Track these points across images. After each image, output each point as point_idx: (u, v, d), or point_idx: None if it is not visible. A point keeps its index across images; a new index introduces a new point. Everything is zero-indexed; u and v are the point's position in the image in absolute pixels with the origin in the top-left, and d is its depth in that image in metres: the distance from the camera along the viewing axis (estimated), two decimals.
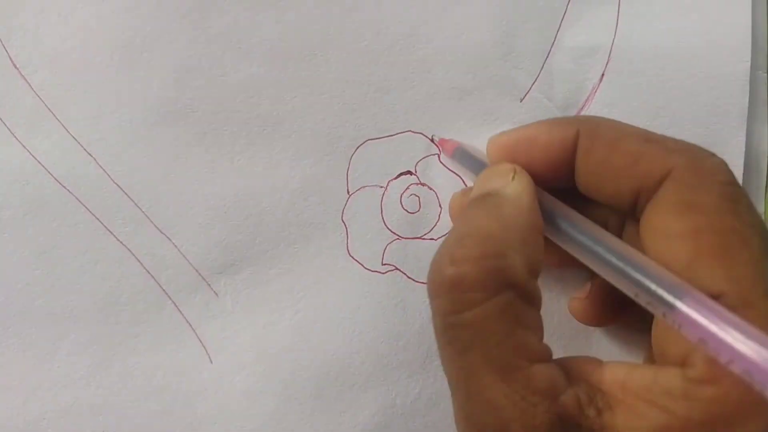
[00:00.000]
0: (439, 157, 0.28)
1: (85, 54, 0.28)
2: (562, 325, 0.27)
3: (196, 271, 0.28)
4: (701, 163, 0.20)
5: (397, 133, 0.28)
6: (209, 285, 0.28)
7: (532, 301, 0.20)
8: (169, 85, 0.27)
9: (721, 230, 0.19)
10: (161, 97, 0.28)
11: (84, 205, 0.28)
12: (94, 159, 0.28)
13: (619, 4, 0.28)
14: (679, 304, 0.18)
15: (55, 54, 0.28)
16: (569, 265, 0.22)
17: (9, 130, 0.28)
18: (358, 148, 0.28)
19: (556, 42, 0.28)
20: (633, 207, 0.21)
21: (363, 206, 0.28)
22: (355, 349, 0.27)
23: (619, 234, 0.23)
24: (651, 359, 0.22)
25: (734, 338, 0.17)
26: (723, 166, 0.20)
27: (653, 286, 0.18)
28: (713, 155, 0.21)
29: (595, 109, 0.27)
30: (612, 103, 0.27)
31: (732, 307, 0.18)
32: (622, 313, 0.24)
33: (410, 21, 0.27)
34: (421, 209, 0.28)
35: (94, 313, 0.28)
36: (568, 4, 0.28)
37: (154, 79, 0.28)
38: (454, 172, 0.27)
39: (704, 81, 0.27)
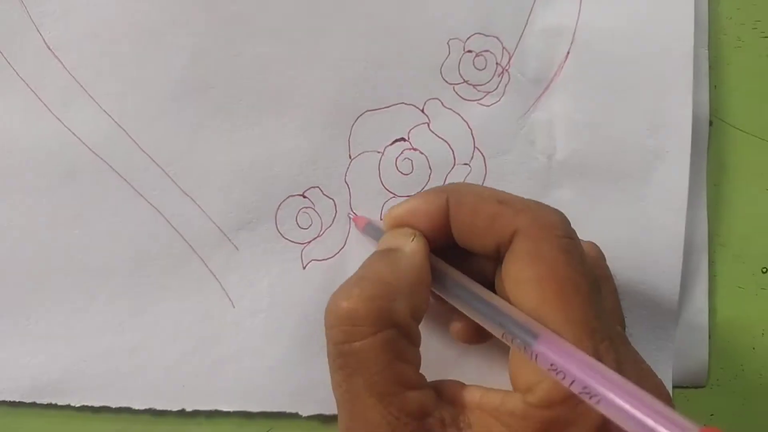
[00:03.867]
0: (428, 125, 0.32)
1: (112, 36, 0.31)
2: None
3: (218, 227, 0.31)
4: (543, 219, 0.24)
5: (392, 105, 0.31)
6: (230, 240, 0.31)
7: (412, 339, 0.24)
8: (188, 64, 0.31)
9: (559, 278, 0.23)
10: (182, 75, 0.31)
11: (116, 172, 0.31)
12: (124, 130, 0.31)
13: None
14: (534, 342, 0.22)
15: (84, 36, 0.31)
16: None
17: (46, 105, 0.31)
18: (358, 118, 0.31)
19: (528, 24, 0.32)
20: (496, 256, 0.25)
21: (363, 169, 0.31)
22: None
23: (493, 278, 0.27)
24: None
25: (575, 366, 0.21)
26: (562, 221, 0.24)
27: (514, 329, 0.23)
28: (555, 212, 0.24)
29: (561, 82, 0.31)
30: (575, 78, 0.31)
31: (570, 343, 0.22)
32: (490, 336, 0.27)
33: (402, 4, 0.31)
34: (413, 171, 0.32)
35: (127, 268, 0.31)
36: None
37: (175, 58, 0.31)
38: (443, 139, 0.31)
39: (654, 57, 0.31)
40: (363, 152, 0.31)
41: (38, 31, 0.31)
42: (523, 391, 0.23)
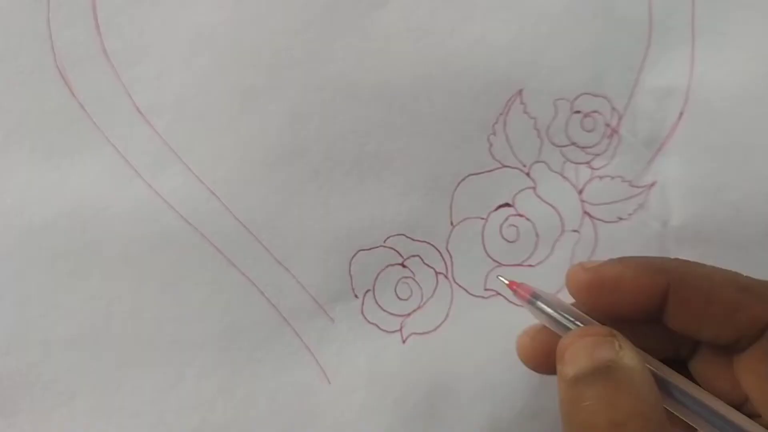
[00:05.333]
0: (534, 190, 0.30)
1: (205, 100, 0.30)
2: None
3: (313, 299, 0.30)
4: None
5: (495, 168, 0.30)
6: (325, 312, 0.30)
7: None
8: (284, 128, 0.30)
9: None
10: (277, 139, 0.30)
11: (208, 240, 0.30)
12: (217, 197, 0.30)
13: (693, 50, 0.30)
14: None
15: (177, 100, 0.30)
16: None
17: (135, 171, 0.30)
18: (460, 182, 0.30)
19: (638, 83, 0.30)
20: (729, 345, 0.23)
21: (466, 236, 0.30)
22: (462, 369, 0.30)
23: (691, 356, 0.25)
24: None
25: None
26: None
27: None
28: None
29: (675, 143, 0.30)
30: (690, 139, 0.30)
31: None
32: None
33: (506, 65, 0.30)
34: (519, 238, 0.30)
35: (219, 340, 0.30)
36: (648, 48, 0.30)
37: (271, 122, 0.30)
38: (551, 205, 0.30)
39: None
40: (466, 218, 0.30)
41: (129, 95, 0.30)
42: None
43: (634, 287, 0.22)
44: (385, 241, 0.30)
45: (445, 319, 0.30)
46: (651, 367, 0.22)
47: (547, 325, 0.23)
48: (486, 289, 0.30)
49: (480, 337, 0.30)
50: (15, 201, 0.30)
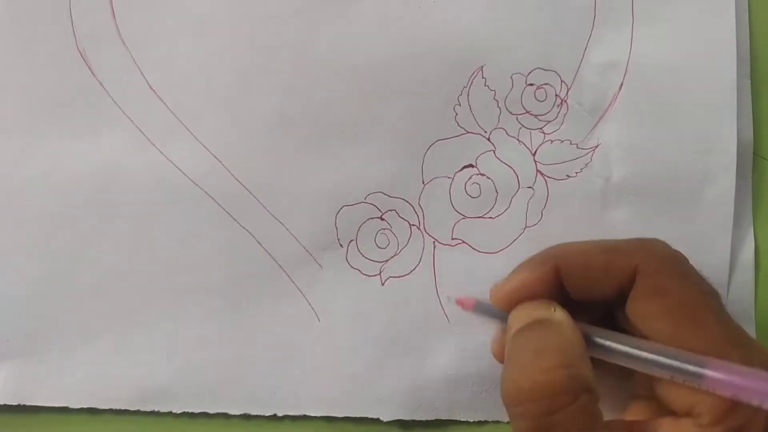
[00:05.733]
0: (494, 152, 0.35)
1: (209, 78, 0.34)
2: None
3: (304, 248, 0.34)
4: (656, 254, 0.25)
5: (460, 134, 0.35)
6: (315, 259, 0.34)
7: (598, 399, 0.24)
8: (277, 102, 0.34)
9: (686, 304, 0.24)
10: (271, 112, 0.34)
11: (213, 199, 0.34)
12: (221, 162, 0.34)
13: (632, 28, 0.35)
14: (708, 372, 0.23)
15: (185, 78, 0.34)
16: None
17: (150, 140, 0.34)
18: (430, 147, 0.34)
19: (584, 59, 0.35)
20: (617, 299, 0.26)
21: (435, 193, 0.34)
22: (433, 306, 0.34)
23: (612, 321, 0.28)
24: (639, 402, 0.27)
25: (752, 380, 0.22)
26: (670, 251, 0.26)
27: (685, 366, 0.23)
28: (661, 243, 0.26)
29: (616, 111, 0.34)
30: (628, 107, 0.34)
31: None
32: None
33: (469, 45, 0.34)
34: (481, 194, 0.34)
35: (223, 285, 0.34)
36: (592, 28, 0.35)
37: (266, 97, 0.34)
38: (508, 165, 0.34)
39: (701, 88, 0.34)
40: (435, 178, 0.34)
41: (142, 74, 0.34)
42: (685, 415, 0.24)
43: (536, 282, 0.26)
44: (366, 198, 0.34)
45: (418, 264, 0.34)
46: (579, 323, 0.26)
47: (492, 323, 0.28)
48: (453, 238, 0.35)
49: (447, 279, 0.34)
50: (44, 167, 0.34)
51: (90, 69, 0.34)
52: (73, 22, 0.34)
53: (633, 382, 0.28)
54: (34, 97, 0.34)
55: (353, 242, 0.34)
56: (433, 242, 0.34)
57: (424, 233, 0.34)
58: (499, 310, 0.28)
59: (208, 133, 0.34)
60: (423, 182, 0.34)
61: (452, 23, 0.34)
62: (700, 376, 0.23)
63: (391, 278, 0.34)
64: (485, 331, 0.33)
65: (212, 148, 0.34)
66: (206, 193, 0.34)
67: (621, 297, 0.26)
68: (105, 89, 0.34)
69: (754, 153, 0.35)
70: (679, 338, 0.24)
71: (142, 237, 0.34)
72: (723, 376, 0.23)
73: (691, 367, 0.23)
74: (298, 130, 0.34)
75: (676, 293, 0.24)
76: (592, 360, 0.25)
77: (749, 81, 0.35)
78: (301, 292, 0.34)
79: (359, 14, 0.34)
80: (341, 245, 0.34)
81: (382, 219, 0.34)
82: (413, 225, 0.34)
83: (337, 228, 0.34)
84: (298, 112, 0.34)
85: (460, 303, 0.29)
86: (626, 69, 0.34)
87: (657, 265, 0.25)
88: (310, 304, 0.34)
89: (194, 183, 0.34)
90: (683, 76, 0.34)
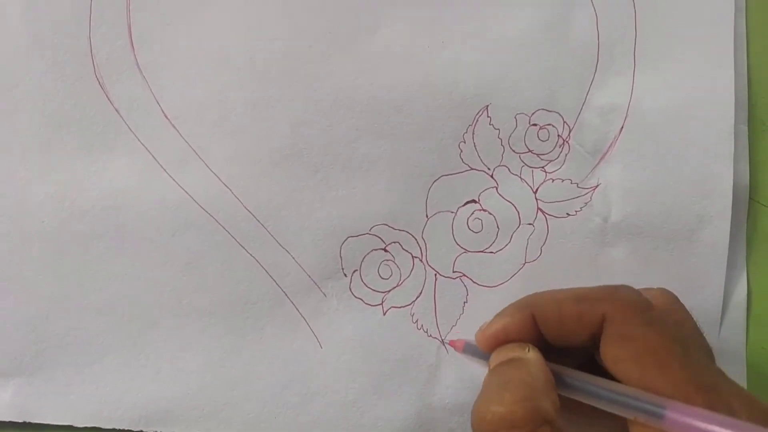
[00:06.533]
0: (496, 189, 0.36)
1: (223, 108, 0.35)
2: None
3: (309, 277, 0.35)
4: (622, 302, 0.27)
5: (464, 171, 0.36)
6: (319, 288, 0.35)
7: (561, 431, 0.25)
8: (288, 133, 0.35)
9: (651, 350, 0.25)
10: (282, 143, 0.35)
11: (222, 226, 0.35)
12: (231, 190, 0.35)
13: (633, 75, 0.36)
14: (667, 412, 0.24)
15: (199, 108, 0.35)
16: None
17: (162, 167, 0.35)
18: (434, 182, 0.35)
19: (586, 101, 0.36)
20: (592, 345, 0.27)
21: (438, 227, 0.35)
22: (432, 337, 0.35)
23: (595, 365, 0.28)
24: None
25: (711, 424, 0.23)
26: (638, 298, 0.27)
27: (646, 406, 0.24)
28: (629, 289, 0.27)
29: (616, 153, 0.35)
30: (629, 149, 0.35)
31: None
32: None
33: (475, 85, 0.35)
34: (483, 229, 0.35)
35: (229, 310, 0.35)
36: (595, 72, 0.36)
37: (277, 128, 0.35)
38: (510, 202, 0.35)
39: (699, 132, 0.35)
40: (438, 212, 0.35)
41: (158, 102, 0.35)
42: None
43: (514, 327, 0.28)
44: (370, 230, 0.35)
45: (419, 295, 0.35)
46: (551, 364, 0.27)
47: (480, 364, 0.30)
48: (454, 271, 0.35)
49: (447, 311, 0.35)
50: (58, 190, 0.35)
51: (107, 96, 0.35)
52: (92, 49, 0.35)
53: (614, 428, 0.29)
54: (52, 121, 0.35)
55: (357, 272, 0.35)
56: (435, 274, 0.35)
57: (426, 265, 0.35)
58: (484, 351, 0.29)
59: (220, 162, 0.35)
60: (427, 216, 0.35)
61: (459, 63, 0.35)
62: (660, 417, 0.24)
63: (392, 308, 0.35)
64: (481, 364, 0.34)
65: (223, 176, 0.35)
66: (215, 219, 0.35)
67: (595, 343, 0.27)
68: (121, 116, 0.35)
69: (750, 198, 0.36)
70: (646, 382, 0.25)
71: (151, 260, 0.35)
72: (681, 417, 0.24)
73: (651, 407, 0.25)
74: (307, 162, 0.35)
75: (641, 339, 0.26)
76: (574, 404, 0.27)
77: (746, 127, 0.36)
78: (304, 319, 0.35)
79: (370, 51, 0.35)
80: (345, 275, 0.35)
81: (386, 250, 0.35)
82: (416, 257, 0.35)
83: (341, 258, 0.35)
84: (307, 144, 0.35)
85: (452, 345, 0.31)
86: (627, 112, 0.35)
87: (623, 313, 0.26)
88: (312, 331, 0.35)
89: (204, 209, 0.35)
90: (682, 121, 0.35)
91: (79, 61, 0.35)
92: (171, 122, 0.35)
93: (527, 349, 0.27)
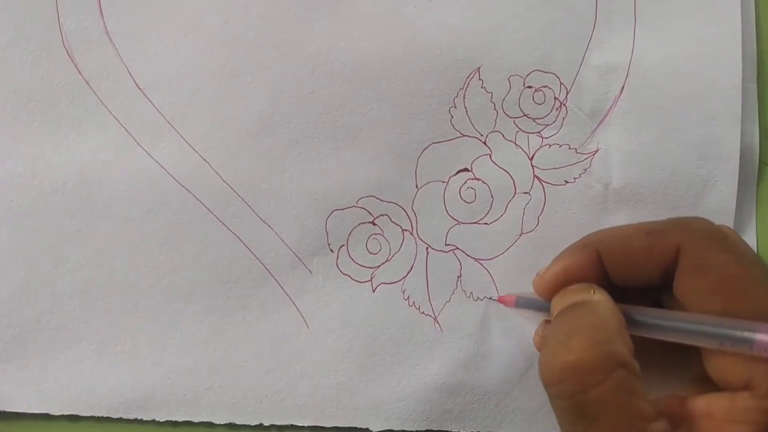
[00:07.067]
0: (490, 156, 0.34)
1: (197, 77, 0.33)
2: None
3: (293, 253, 0.34)
4: (698, 231, 0.26)
5: (455, 138, 0.34)
6: (305, 264, 0.34)
7: (638, 374, 0.24)
8: (267, 102, 0.33)
9: (731, 278, 0.24)
10: (261, 112, 0.33)
11: (200, 201, 0.33)
12: (208, 163, 0.33)
13: (634, 30, 0.34)
14: (759, 336, 0.23)
15: (172, 77, 0.33)
16: None
17: (135, 140, 0.34)
18: (424, 150, 0.34)
19: (584, 61, 0.34)
20: (663, 282, 0.26)
21: (429, 198, 0.34)
22: (425, 314, 0.33)
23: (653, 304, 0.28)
24: (695, 384, 0.27)
25: None
26: (711, 225, 0.26)
27: (733, 332, 0.23)
28: (701, 219, 0.26)
29: (617, 115, 0.33)
30: (630, 111, 0.33)
31: None
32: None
33: (465, 46, 0.33)
34: (476, 199, 0.34)
35: (210, 290, 0.33)
36: (593, 30, 0.34)
37: (255, 97, 0.33)
38: (504, 170, 0.34)
39: (704, 91, 0.33)
40: (429, 182, 0.33)
41: (129, 73, 0.33)
42: (741, 389, 0.24)
43: (576, 267, 0.27)
44: (357, 202, 0.33)
45: (410, 271, 0.33)
46: (621, 305, 0.26)
47: (533, 317, 0.29)
48: (446, 245, 0.34)
49: (440, 286, 0.33)
50: (28, 167, 0.33)
51: (76, 67, 0.33)
52: (60, 18, 0.33)
53: (688, 365, 0.28)
54: (18, 94, 0.33)
55: (344, 247, 0.33)
56: (426, 248, 0.33)
57: (417, 239, 0.33)
58: (542, 301, 0.28)
59: (196, 134, 0.33)
60: (416, 186, 0.33)
61: (448, 23, 0.33)
62: (750, 341, 0.23)
63: (382, 285, 0.33)
64: (478, 341, 0.32)
65: (199, 148, 0.33)
66: (193, 194, 0.33)
67: (666, 280, 0.26)
68: (91, 88, 0.33)
69: (759, 160, 0.34)
70: (729, 312, 0.24)
71: (126, 239, 0.33)
72: None
73: (739, 333, 0.23)
74: (287, 131, 0.33)
75: (720, 268, 0.25)
76: (646, 342, 0.25)
77: (755, 85, 0.34)
78: (289, 297, 0.33)
79: (352, 13, 0.33)
80: (332, 250, 0.33)
81: (374, 224, 0.33)
82: (406, 230, 0.33)
83: (327, 232, 0.33)
84: (288, 113, 0.33)
85: (502, 301, 0.31)
86: (627, 72, 0.33)
87: (698, 243, 0.25)
88: (298, 311, 0.33)
89: (180, 184, 0.33)
90: (686, 79, 0.33)
91: (46, 30, 0.33)
92: (144, 93, 0.33)
93: (593, 291, 0.26)
